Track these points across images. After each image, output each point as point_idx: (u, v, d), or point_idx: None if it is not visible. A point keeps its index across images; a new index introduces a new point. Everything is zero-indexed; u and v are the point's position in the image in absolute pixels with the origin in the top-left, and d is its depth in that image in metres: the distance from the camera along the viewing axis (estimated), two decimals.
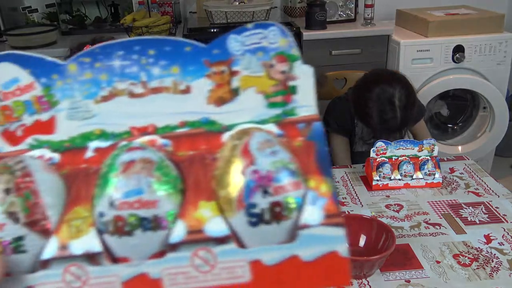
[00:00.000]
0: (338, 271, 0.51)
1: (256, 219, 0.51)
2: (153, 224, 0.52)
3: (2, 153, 0.67)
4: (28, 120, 0.68)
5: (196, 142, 0.61)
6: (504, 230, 1.51)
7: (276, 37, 0.65)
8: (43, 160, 0.59)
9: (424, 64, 2.90)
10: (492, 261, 1.36)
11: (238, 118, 0.63)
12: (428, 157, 1.74)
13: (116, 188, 0.53)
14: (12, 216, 0.52)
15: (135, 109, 0.63)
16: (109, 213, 0.52)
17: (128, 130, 0.63)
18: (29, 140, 0.68)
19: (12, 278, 0.51)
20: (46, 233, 0.53)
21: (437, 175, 1.79)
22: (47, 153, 0.65)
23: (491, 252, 1.41)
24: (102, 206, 0.53)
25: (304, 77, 0.66)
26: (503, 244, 1.44)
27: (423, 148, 1.72)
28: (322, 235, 0.51)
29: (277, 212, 0.51)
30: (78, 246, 0.52)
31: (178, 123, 0.63)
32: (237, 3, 3.35)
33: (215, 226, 0.52)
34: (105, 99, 0.67)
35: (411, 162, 1.73)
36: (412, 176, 1.73)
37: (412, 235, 1.50)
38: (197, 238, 0.52)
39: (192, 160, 0.59)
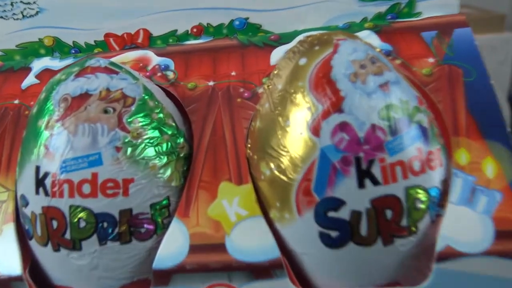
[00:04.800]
0: None
1: (340, 234, 0.30)
2: (121, 229, 0.32)
3: None
4: None
5: (221, 63, 0.41)
6: None
7: None
8: None
9: None
10: None
11: (302, 21, 0.42)
12: None
13: (49, 151, 0.33)
14: None
15: (117, 2, 0.43)
16: (36, 203, 0.33)
17: (102, 39, 0.45)
18: None
19: None
20: None
21: None
22: None
23: None
24: (25, 186, 0.34)
25: None
26: None
27: None
28: (486, 277, 0.29)
29: (387, 221, 0.29)
30: None
31: (191, 29, 0.43)
32: None
33: (251, 237, 0.32)
34: None
35: None
36: None
37: None
38: (211, 263, 0.31)
39: (210, 99, 0.38)
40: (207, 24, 0.42)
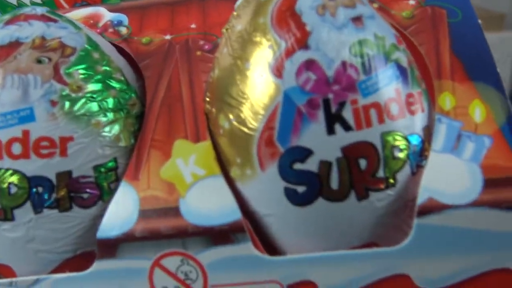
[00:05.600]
0: None
1: (307, 189, 0.26)
2: (59, 194, 0.28)
3: None
4: None
5: (179, 16, 0.37)
6: None
7: None
8: None
9: None
10: None
11: None
12: None
13: None
14: None
15: None
16: None
17: None
18: None
19: None
20: None
21: None
22: None
23: None
24: None
25: None
26: None
27: None
28: (474, 230, 0.25)
29: (361, 172, 0.26)
30: None
31: None
32: None
33: (209, 199, 0.28)
34: None
35: None
36: None
37: None
38: (164, 229, 0.27)
39: (166, 53, 0.34)
40: None
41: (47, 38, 0.30)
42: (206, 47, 0.34)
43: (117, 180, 0.29)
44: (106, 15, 0.38)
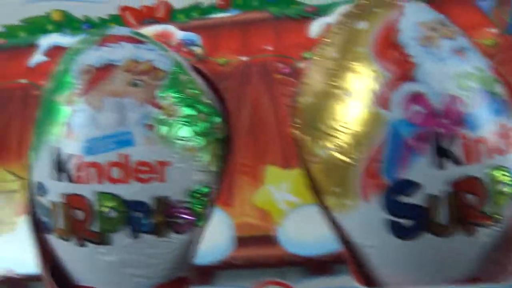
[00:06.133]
0: None
1: (414, 223, 0.26)
2: (156, 219, 0.28)
3: None
4: None
5: (252, 37, 0.37)
6: None
7: None
8: None
9: None
10: None
11: None
12: None
13: (71, 129, 0.28)
14: None
15: None
16: (56, 190, 0.29)
17: (117, 13, 0.41)
18: None
19: None
20: None
21: None
22: None
23: None
24: (42, 172, 0.29)
25: None
26: None
27: None
28: None
29: (469, 207, 0.26)
30: None
31: (217, 1, 0.40)
32: None
33: (306, 228, 0.28)
34: None
35: None
36: None
37: None
38: (261, 257, 0.28)
39: (244, 75, 0.35)
40: None
41: (139, 60, 0.29)
42: (286, 70, 0.34)
43: (211, 206, 0.29)
44: (177, 34, 0.38)
